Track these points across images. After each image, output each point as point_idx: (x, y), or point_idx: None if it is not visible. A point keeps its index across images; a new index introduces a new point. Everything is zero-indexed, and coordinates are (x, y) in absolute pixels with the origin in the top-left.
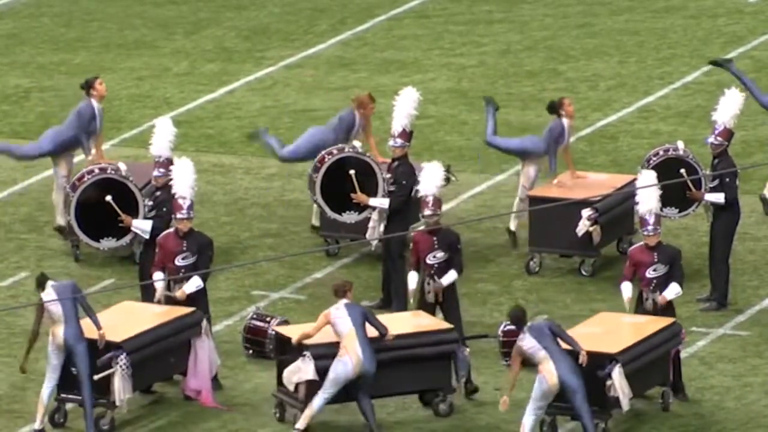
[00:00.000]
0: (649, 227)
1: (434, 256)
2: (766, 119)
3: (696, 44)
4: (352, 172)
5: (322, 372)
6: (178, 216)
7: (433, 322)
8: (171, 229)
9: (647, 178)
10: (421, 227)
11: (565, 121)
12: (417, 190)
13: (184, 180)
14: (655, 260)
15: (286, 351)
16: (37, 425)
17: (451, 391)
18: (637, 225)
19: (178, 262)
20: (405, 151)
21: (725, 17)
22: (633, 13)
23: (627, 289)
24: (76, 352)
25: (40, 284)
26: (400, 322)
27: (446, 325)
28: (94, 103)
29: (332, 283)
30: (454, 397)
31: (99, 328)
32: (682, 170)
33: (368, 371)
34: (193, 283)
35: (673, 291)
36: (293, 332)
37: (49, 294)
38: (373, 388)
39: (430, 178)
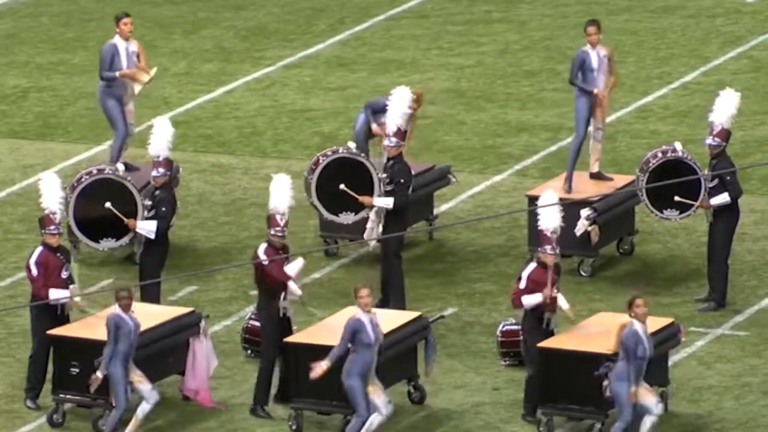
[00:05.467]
0: (548, 247)
1: None
2: (765, 119)
3: (694, 44)
4: (342, 186)
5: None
6: (44, 232)
7: (401, 314)
8: (42, 248)
9: (548, 197)
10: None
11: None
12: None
13: (52, 194)
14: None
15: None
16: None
17: (418, 377)
18: (637, 226)
19: (63, 275)
20: (400, 150)
21: (723, 17)
22: (631, 13)
23: (535, 298)
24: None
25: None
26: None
27: (414, 314)
28: (118, 40)
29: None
30: (427, 383)
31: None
32: (677, 197)
33: None
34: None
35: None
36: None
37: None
38: None
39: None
